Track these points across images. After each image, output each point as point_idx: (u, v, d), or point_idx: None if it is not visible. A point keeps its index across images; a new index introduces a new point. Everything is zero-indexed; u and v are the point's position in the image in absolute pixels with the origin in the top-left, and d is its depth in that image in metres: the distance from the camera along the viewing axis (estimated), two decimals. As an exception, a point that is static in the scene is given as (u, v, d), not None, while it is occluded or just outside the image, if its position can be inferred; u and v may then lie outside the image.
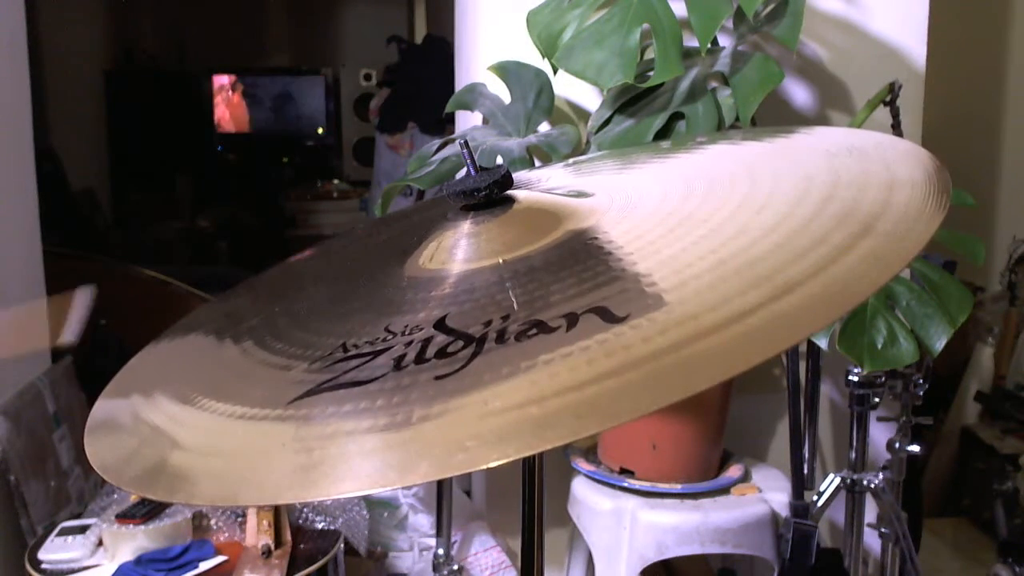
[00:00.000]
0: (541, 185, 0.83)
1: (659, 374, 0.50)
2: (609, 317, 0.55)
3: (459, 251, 0.70)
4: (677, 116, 1.52)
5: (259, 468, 0.55)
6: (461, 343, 0.57)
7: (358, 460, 0.52)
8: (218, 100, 6.27)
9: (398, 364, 0.58)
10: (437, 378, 0.55)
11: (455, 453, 0.49)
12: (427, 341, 0.59)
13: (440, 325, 0.61)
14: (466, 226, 0.71)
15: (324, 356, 0.63)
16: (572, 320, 0.56)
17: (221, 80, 6.26)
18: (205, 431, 0.61)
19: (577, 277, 0.61)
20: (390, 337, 0.61)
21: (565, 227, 0.69)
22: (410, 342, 0.60)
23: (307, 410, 0.57)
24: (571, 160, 0.99)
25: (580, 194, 0.76)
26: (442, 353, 0.57)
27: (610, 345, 0.53)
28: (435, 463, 0.49)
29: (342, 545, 1.53)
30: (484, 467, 0.48)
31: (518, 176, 0.80)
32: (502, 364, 0.54)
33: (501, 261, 0.66)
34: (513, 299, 0.60)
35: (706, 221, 0.64)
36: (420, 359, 0.57)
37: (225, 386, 0.66)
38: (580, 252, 0.65)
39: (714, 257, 0.59)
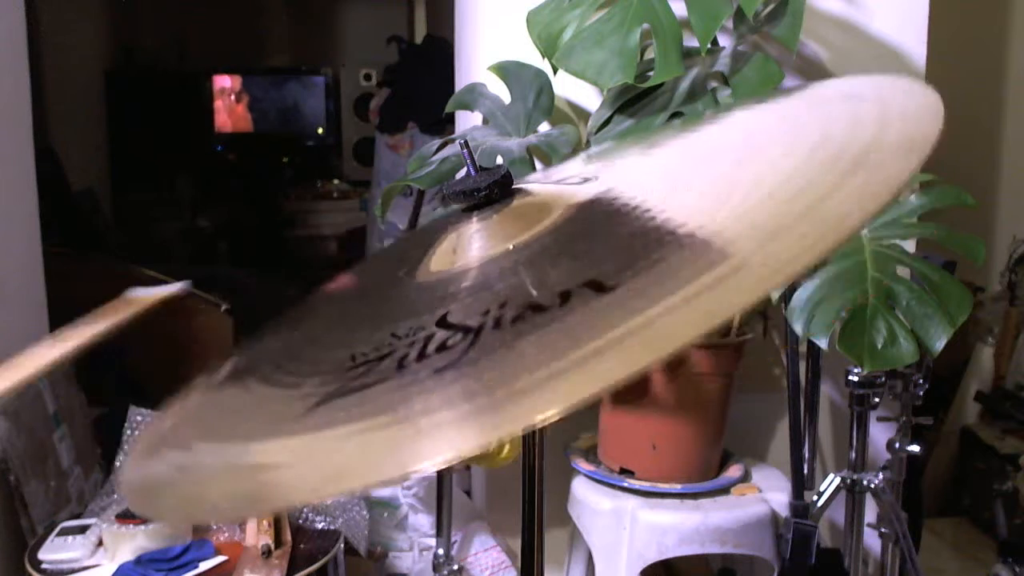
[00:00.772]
0: (551, 179, 0.83)
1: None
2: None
3: (472, 248, 0.69)
4: (677, 116, 1.52)
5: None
6: (460, 335, 0.57)
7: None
8: (218, 100, 6.26)
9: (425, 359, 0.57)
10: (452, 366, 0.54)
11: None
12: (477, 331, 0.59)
13: (443, 322, 0.60)
14: (471, 224, 0.71)
15: (340, 371, 0.62)
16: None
17: (221, 80, 6.26)
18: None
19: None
20: (409, 339, 0.61)
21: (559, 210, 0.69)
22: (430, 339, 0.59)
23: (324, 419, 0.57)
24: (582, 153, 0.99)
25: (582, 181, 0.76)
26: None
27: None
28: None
29: (342, 545, 1.53)
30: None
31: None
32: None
33: (511, 247, 0.66)
34: (529, 287, 0.60)
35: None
36: (434, 350, 0.57)
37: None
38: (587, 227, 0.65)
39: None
